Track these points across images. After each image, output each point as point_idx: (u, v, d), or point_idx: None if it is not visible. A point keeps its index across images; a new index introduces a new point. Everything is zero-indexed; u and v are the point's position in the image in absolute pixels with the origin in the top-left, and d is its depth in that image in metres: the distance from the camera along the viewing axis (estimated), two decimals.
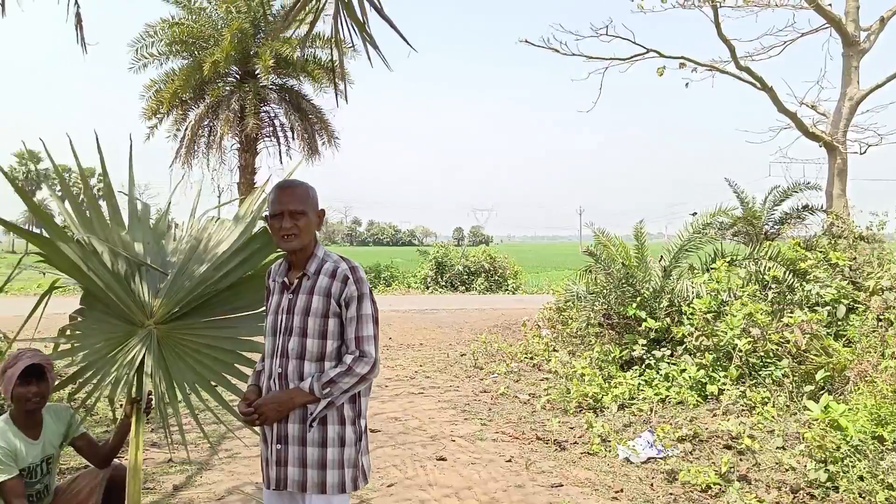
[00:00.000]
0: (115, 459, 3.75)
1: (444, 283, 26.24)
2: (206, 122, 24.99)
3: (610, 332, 8.97)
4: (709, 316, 7.62)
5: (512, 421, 6.85)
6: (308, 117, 25.61)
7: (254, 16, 23.74)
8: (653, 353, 7.95)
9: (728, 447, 5.66)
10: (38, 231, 3.40)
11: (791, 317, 7.12)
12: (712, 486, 4.83)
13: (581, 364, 8.08)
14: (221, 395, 3.61)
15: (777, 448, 5.44)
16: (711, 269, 8.79)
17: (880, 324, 7.11)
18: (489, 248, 29.85)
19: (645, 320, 8.14)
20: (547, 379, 8.71)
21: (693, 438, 5.87)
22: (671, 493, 4.85)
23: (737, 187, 11.64)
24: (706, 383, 7.07)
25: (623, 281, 8.64)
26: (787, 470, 5.06)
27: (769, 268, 8.52)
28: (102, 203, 3.76)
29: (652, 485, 5.02)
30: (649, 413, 6.79)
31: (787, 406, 6.42)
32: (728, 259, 9.11)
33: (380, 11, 1.62)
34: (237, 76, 25.17)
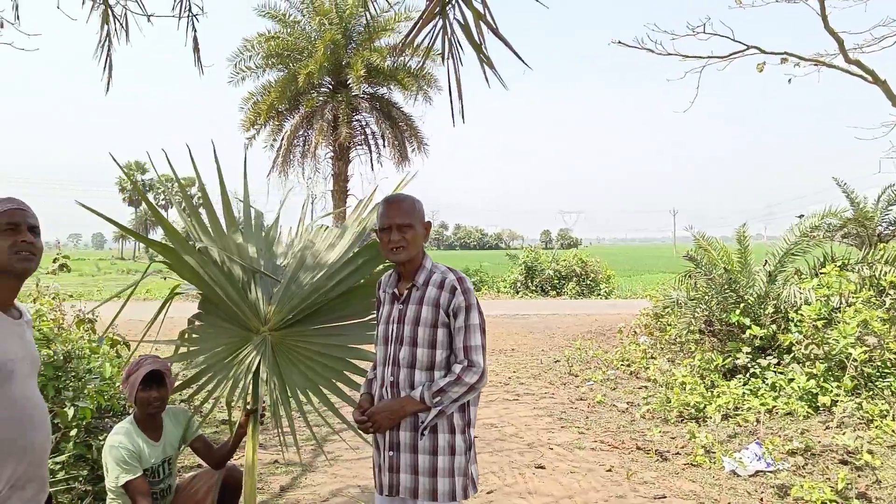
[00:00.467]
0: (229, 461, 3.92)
1: (534, 288, 26.07)
2: (300, 132, 25.80)
3: (711, 339, 8.68)
4: (819, 323, 7.26)
5: (610, 430, 6.73)
6: (398, 125, 26.02)
7: (345, 26, 24.33)
8: (758, 361, 7.64)
9: (844, 462, 5.37)
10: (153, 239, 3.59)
11: None
12: (828, 502, 4.59)
13: (682, 372, 7.86)
14: (330, 401, 3.71)
15: None
16: (821, 273, 8.38)
17: None
18: (580, 251, 29.41)
19: (749, 327, 7.83)
20: (645, 387, 8.51)
21: (805, 452, 5.60)
22: None
23: (846, 187, 11.04)
24: (817, 394, 6.74)
25: (725, 286, 8.35)
26: None
27: (885, 272, 8.04)
28: (203, 211, 3.91)
29: (762, 499, 4.83)
30: (755, 424, 6.53)
31: None
32: (839, 263, 8.66)
33: (495, 31, 1.64)
34: (330, 86, 25.85)
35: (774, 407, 6.85)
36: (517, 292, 26.02)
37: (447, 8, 1.71)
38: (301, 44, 24.37)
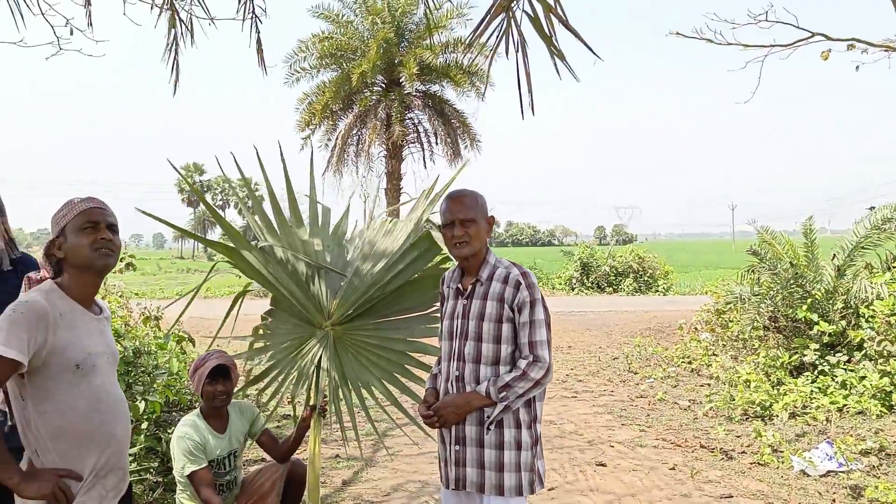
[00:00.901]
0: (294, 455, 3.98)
1: (589, 285, 25.81)
2: (354, 132, 26.08)
3: (776, 335, 8.44)
4: (892, 319, 6.99)
5: (673, 428, 6.61)
6: (450, 122, 26.06)
7: (398, 25, 24.48)
8: (826, 358, 7.40)
9: None
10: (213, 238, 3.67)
11: None
12: None
13: (746, 369, 7.67)
14: (392, 395, 3.73)
15: None
16: (893, 267, 8.06)
17: None
18: (637, 247, 28.98)
19: (817, 323, 7.59)
20: (708, 385, 8.34)
21: (879, 452, 5.41)
22: None
23: None
24: (891, 392, 6.49)
25: (791, 281, 8.10)
26: None
27: None
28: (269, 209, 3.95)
29: (834, 500, 4.67)
30: (825, 423, 6.33)
31: None
32: None
33: (566, 24, 1.62)
34: (383, 85, 26.05)
35: (845, 406, 6.62)
36: (572, 289, 25.80)
37: (514, 1, 1.70)
38: (354, 43, 24.63)
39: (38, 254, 2.64)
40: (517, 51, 1.72)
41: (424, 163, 26.37)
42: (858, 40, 13.19)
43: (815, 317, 7.70)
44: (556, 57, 1.64)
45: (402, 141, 25.25)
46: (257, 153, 3.79)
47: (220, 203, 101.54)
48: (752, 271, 9.38)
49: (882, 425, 6.06)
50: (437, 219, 3.58)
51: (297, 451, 3.99)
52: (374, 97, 25.86)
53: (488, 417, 2.64)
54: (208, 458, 3.58)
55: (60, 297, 2.19)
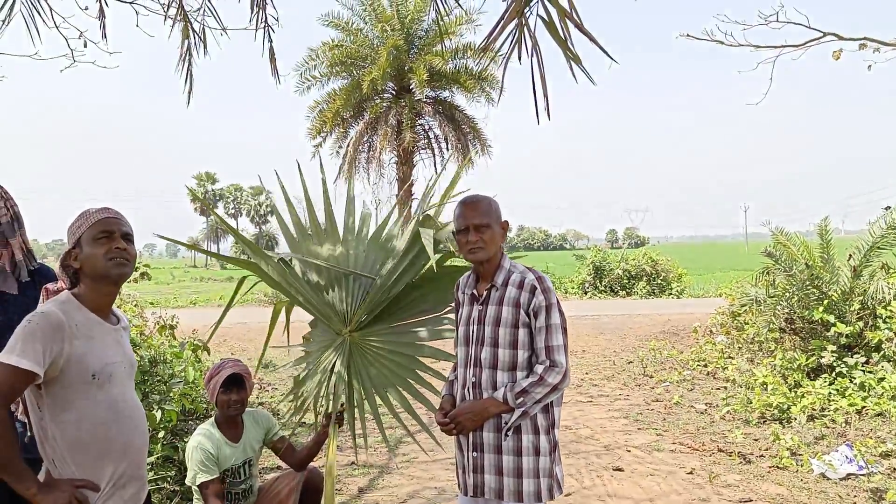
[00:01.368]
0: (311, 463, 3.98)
1: (602, 288, 25.71)
2: (365, 138, 26.17)
3: (793, 337, 8.37)
4: None
5: (689, 431, 6.57)
6: (461, 127, 26.12)
7: (407, 32, 24.56)
8: (844, 360, 7.32)
9: None
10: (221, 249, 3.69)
11: None
12: None
13: (762, 372, 7.61)
14: (406, 401, 3.72)
15: None
16: None
17: None
18: (649, 250, 28.85)
19: (834, 325, 7.52)
20: (724, 388, 8.28)
21: None
22: None
23: None
24: None
25: (807, 282, 8.03)
26: None
27: None
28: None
29: (855, 503, 4.62)
30: (844, 425, 6.27)
31: None
32: None
33: (580, 27, 1.61)
34: (393, 92, 26.13)
35: (864, 407, 6.55)
36: (585, 293, 25.71)
37: (529, 5, 1.69)
38: (364, 51, 24.74)
39: (54, 264, 2.66)
40: (531, 56, 1.71)
41: (436, 168, 26.43)
42: (870, 39, 13.09)
43: (831, 318, 7.63)
44: (571, 61, 1.63)
45: (413, 147, 25.31)
46: (299, 167, 3.80)
47: (233, 211, 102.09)
48: (767, 273, 9.31)
49: None
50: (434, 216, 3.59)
51: (314, 459, 3.99)
52: (384, 104, 25.94)
53: (506, 423, 2.63)
54: (223, 467, 3.58)
55: (76, 308, 2.20)
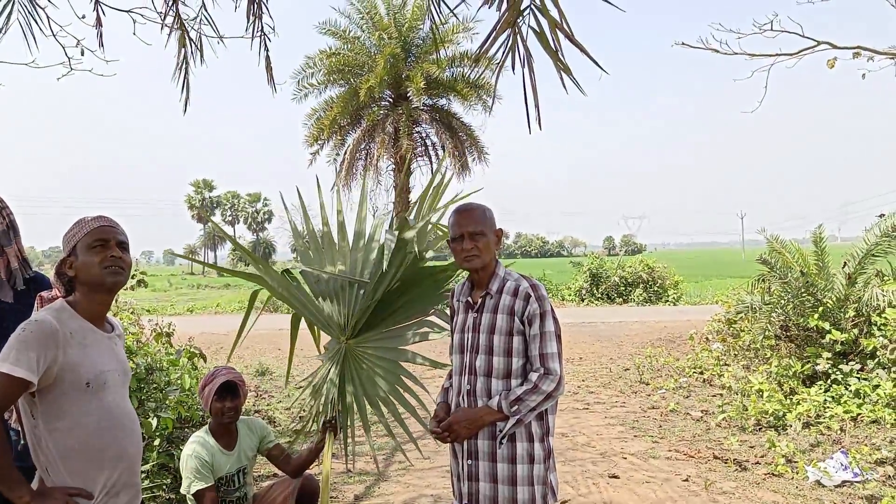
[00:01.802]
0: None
1: (599, 295, 25.71)
2: (362, 146, 26.23)
3: (788, 344, 8.38)
4: None
5: (685, 438, 6.57)
6: (458, 135, 26.18)
7: (404, 40, 24.65)
8: (839, 367, 7.33)
9: None
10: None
11: None
12: None
13: (758, 379, 7.62)
14: (396, 407, 3.72)
15: None
16: None
17: None
18: (646, 257, 28.85)
19: (829, 332, 7.54)
20: (720, 395, 8.29)
21: (895, 461, 5.35)
22: None
23: None
24: None
25: (802, 290, 8.05)
26: None
27: None
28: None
29: None
30: (839, 432, 6.28)
31: None
32: None
33: (571, 38, 1.63)
34: (390, 100, 26.20)
35: (859, 415, 6.57)
36: (582, 300, 25.71)
37: (521, 16, 1.71)
38: (361, 59, 24.82)
39: (49, 272, 2.66)
40: (523, 66, 1.73)
41: (441, 176, 26.39)
42: (864, 48, 13.14)
43: (826, 325, 7.65)
44: (562, 72, 1.65)
45: (411, 154, 25.35)
46: (299, 194, 3.84)
47: (230, 218, 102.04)
48: (763, 280, 9.33)
49: None
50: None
51: (309, 467, 3.99)
52: (381, 112, 26.02)
53: (500, 431, 2.63)
54: (217, 475, 3.58)
55: (71, 316, 2.21)
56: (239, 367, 4.10)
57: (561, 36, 1.63)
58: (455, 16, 2.41)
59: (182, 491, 3.55)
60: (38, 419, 2.13)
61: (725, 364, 9.53)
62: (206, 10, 3.80)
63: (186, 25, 3.75)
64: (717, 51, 12.60)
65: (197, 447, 3.56)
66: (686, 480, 5.34)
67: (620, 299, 25.30)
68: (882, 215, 8.48)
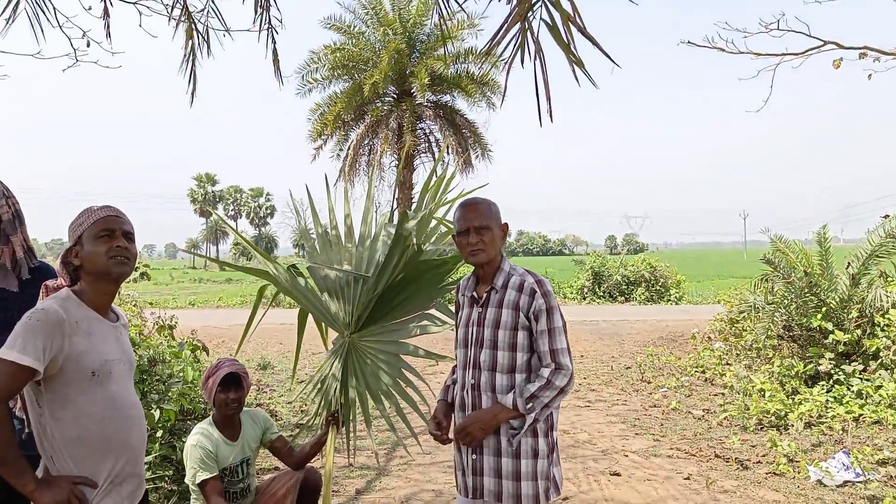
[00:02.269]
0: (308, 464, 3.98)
1: (601, 294, 25.69)
2: (366, 142, 26.22)
3: (791, 344, 8.38)
4: None
5: (687, 437, 6.57)
6: (461, 132, 26.16)
7: (409, 36, 24.62)
8: (842, 367, 7.33)
9: None
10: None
11: None
12: None
13: (760, 379, 7.62)
14: (396, 401, 3.71)
15: None
16: None
17: None
18: (648, 256, 28.82)
19: (832, 332, 7.53)
20: (722, 394, 8.29)
21: None
22: None
23: None
24: None
25: (805, 290, 8.04)
26: None
27: None
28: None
29: None
30: (841, 433, 6.27)
31: None
32: None
33: (583, 31, 1.62)
34: (394, 95, 26.19)
35: (861, 415, 6.56)
36: (584, 298, 25.70)
37: (532, 9, 1.70)
38: (366, 54, 24.80)
39: (54, 264, 2.66)
40: (533, 60, 1.72)
41: (437, 174, 26.37)
42: (871, 48, 13.10)
43: (829, 326, 7.64)
44: (574, 65, 1.64)
45: (414, 151, 25.34)
46: (307, 191, 3.85)
47: (233, 213, 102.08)
48: (766, 280, 9.32)
49: None
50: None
51: (312, 460, 3.99)
52: (385, 107, 26.01)
53: (512, 429, 2.63)
54: (220, 466, 3.58)
55: (76, 305, 2.21)
56: (241, 360, 4.12)
57: (573, 29, 1.63)
58: (462, 9, 2.40)
59: (187, 481, 3.55)
60: (43, 408, 2.14)
61: (727, 363, 9.53)
62: (213, 3, 3.80)
63: (194, 17, 3.74)
64: (723, 50, 12.57)
65: (201, 438, 3.56)
66: (687, 479, 5.34)
67: (622, 298, 25.28)
68: (887, 216, 8.47)
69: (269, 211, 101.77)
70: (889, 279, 8.46)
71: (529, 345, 2.67)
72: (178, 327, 7.32)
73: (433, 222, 3.88)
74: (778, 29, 11.90)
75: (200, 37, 3.79)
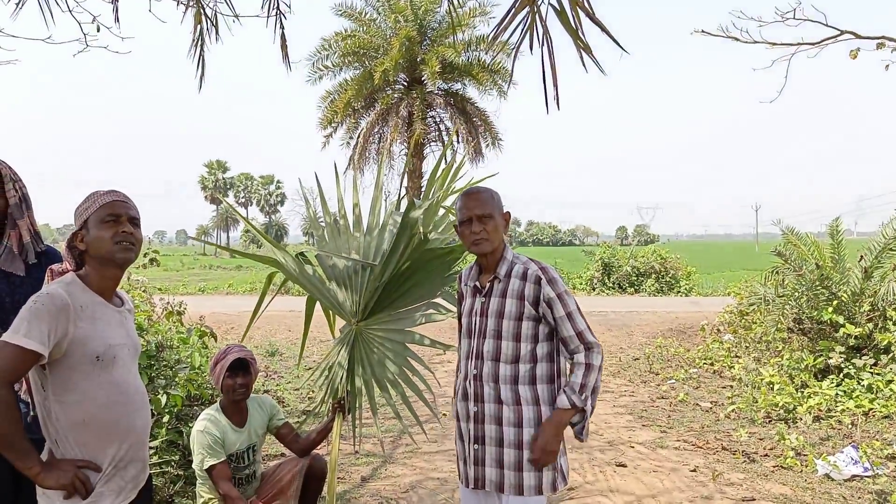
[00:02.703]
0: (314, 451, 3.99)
1: (611, 285, 25.62)
2: (376, 130, 26.16)
3: (801, 337, 8.32)
4: None
5: (694, 429, 6.55)
6: (472, 120, 26.07)
7: (420, 23, 24.52)
8: (852, 361, 7.28)
9: None
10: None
11: None
12: None
13: (769, 372, 7.58)
14: (402, 389, 3.71)
15: None
16: None
17: None
18: (659, 247, 28.68)
19: (843, 325, 7.47)
20: (730, 387, 8.25)
21: None
22: None
23: None
24: None
25: (817, 283, 7.98)
26: None
27: None
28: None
29: None
30: (850, 427, 6.23)
31: None
32: None
33: (591, 16, 1.59)
34: (405, 83, 26.11)
35: (871, 409, 6.52)
36: (593, 289, 25.64)
37: None
38: (377, 41, 24.72)
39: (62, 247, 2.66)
40: (542, 45, 1.69)
41: (446, 161, 26.31)
42: (889, 38, 12.93)
43: (840, 319, 7.58)
44: (582, 51, 1.62)
45: (424, 139, 25.27)
46: (317, 180, 3.83)
47: (243, 200, 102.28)
48: (777, 272, 9.25)
49: None
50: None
51: (317, 447, 4.00)
52: (396, 95, 25.93)
53: (581, 427, 2.71)
54: (227, 451, 3.60)
55: (82, 289, 2.20)
56: (249, 347, 4.14)
57: (581, 14, 1.60)
58: None
59: (194, 466, 3.57)
60: (48, 391, 2.14)
61: (736, 356, 9.49)
62: None
63: (202, 2, 3.73)
64: (738, 39, 12.42)
65: (208, 423, 3.58)
66: (694, 471, 5.33)
67: (632, 289, 25.20)
68: None
69: (279, 199, 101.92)
70: None
71: (534, 335, 2.65)
72: (188, 313, 7.34)
73: (441, 211, 3.86)
74: (794, 18, 11.78)
75: (209, 21, 3.77)
